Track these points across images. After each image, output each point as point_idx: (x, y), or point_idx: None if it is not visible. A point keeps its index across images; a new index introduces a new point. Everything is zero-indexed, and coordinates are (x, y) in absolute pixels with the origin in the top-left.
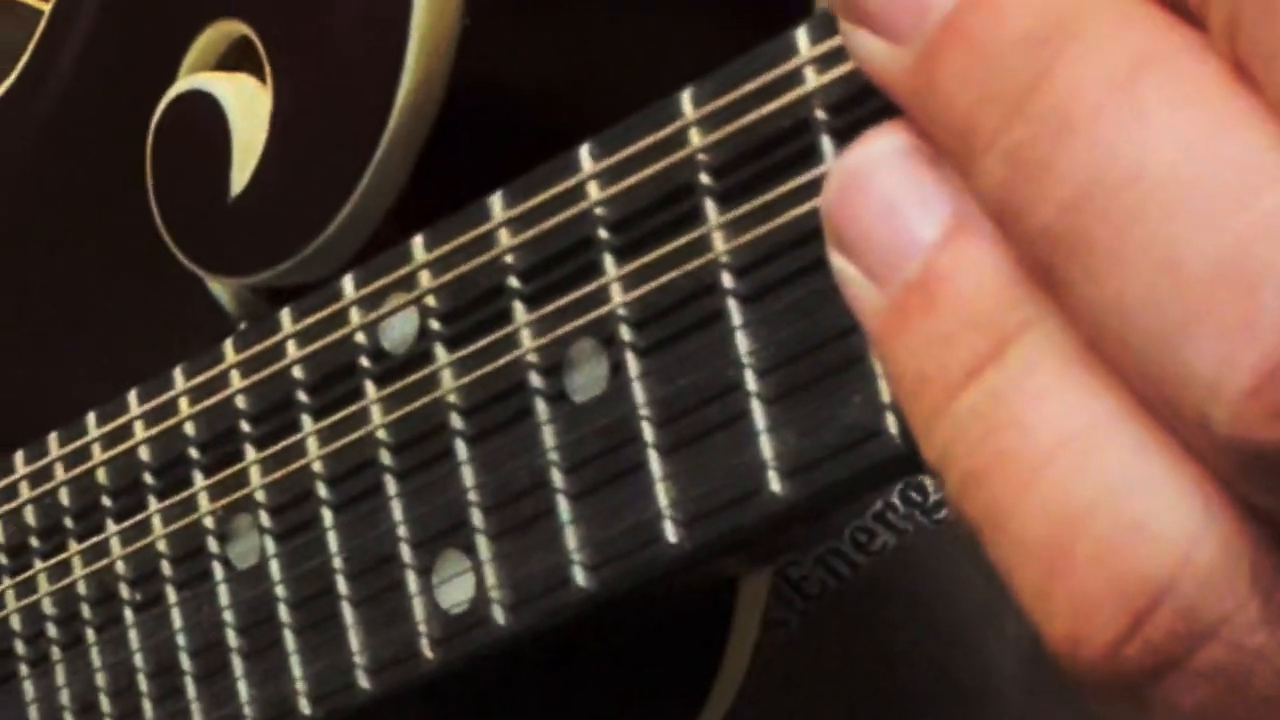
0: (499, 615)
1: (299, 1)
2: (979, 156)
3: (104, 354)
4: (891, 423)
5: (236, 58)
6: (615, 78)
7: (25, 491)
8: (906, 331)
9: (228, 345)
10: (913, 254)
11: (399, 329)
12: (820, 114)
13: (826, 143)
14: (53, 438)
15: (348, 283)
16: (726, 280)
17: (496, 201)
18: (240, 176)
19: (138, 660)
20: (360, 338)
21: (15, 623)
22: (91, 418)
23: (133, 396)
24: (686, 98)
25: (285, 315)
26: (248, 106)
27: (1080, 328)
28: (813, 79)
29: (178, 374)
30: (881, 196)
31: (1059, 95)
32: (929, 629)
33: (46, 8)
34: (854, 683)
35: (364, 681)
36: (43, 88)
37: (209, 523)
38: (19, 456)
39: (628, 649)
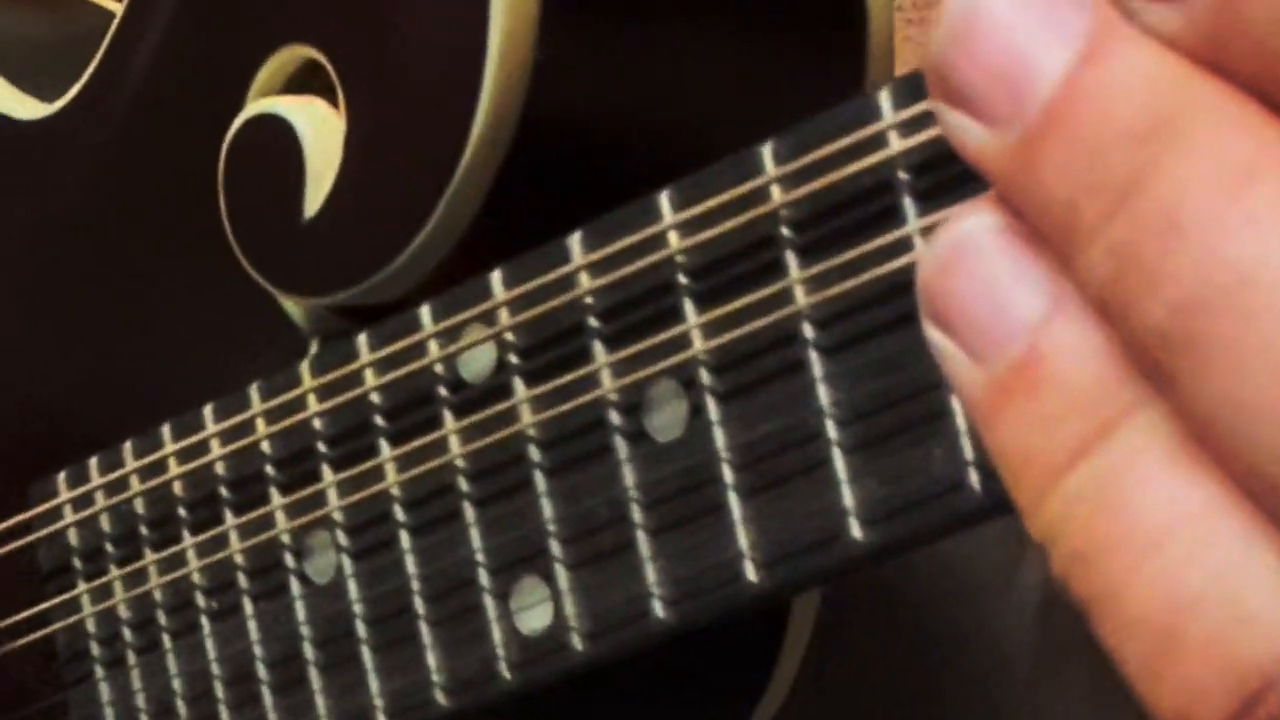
0: (577, 642)
1: (372, 30)
2: (1082, 250)
3: (172, 358)
4: (975, 478)
5: (303, 79)
6: (682, 112)
7: (101, 500)
8: (1009, 410)
9: (305, 369)
10: (1014, 334)
11: (477, 361)
12: (903, 175)
13: (909, 204)
14: (127, 448)
15: (425, 314)
16: (808, 331)
17: (576, 244)
18: (314, 199)
19: (214, 668)
20: (439, 368)
21: (91, 625)
22: (166, 430)
23: (208, 412)
24: (768, 154)
25: (363, 342)
26: (320, 130)
27: (1187, 418)
28: (896, 143)
29: (254, 393)
30: (981, 276)
31: (1165, 196)
32: (946, 593)
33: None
34: (871, 652)
35: (442, 699)
36: (114, 93)
37: (286, 539)
38: (93, 464)
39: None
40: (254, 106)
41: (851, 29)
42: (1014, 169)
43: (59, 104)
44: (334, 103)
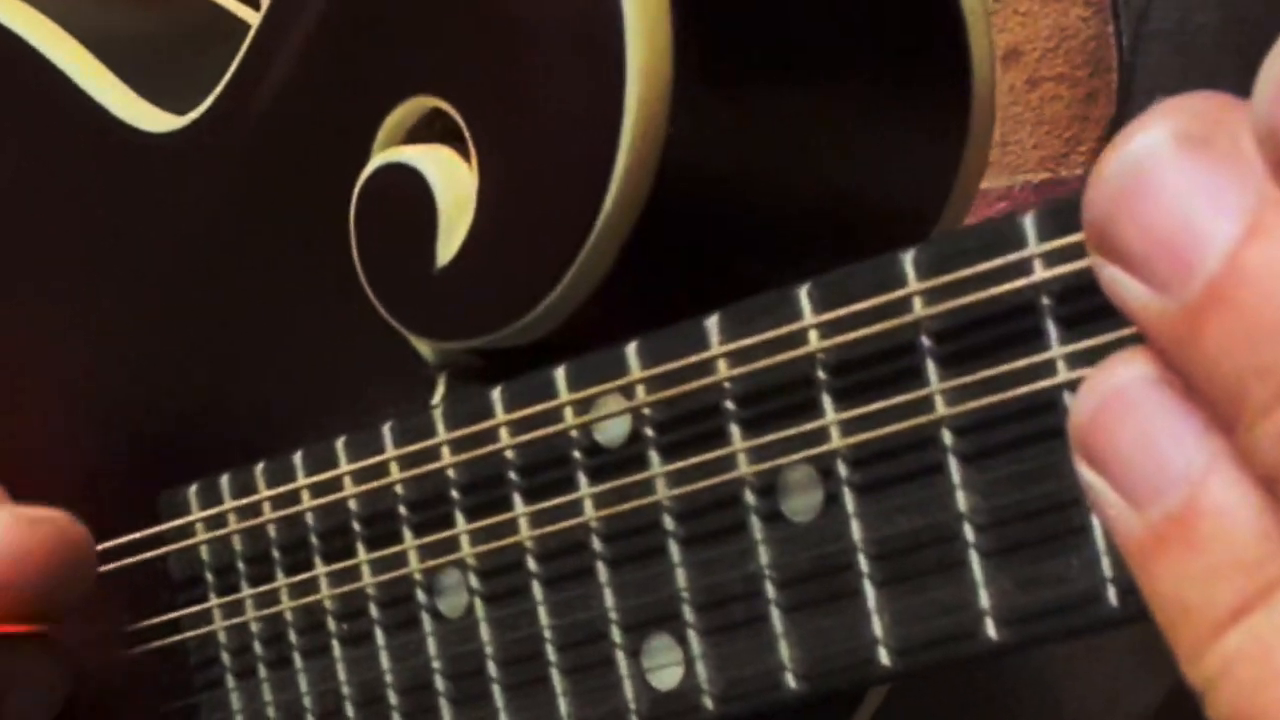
0: (708, 703)
1: (504, 87)
2: (1248, 427)
3: (298, 376)
4: (1112, 592)
5: (425, 124)
6: (801, 168)
7: (233, 521)
8: (1167, 559)
9: (438, 419)
10: (1172, 486)
11: (613, 429)
12: (1046, 300)
13: (1052, 329)
14: (259, 471)
15: (560, 379)
16: (947, 438)
17: (714, 329)
18: (447, 249)
19: (345, 689)
20: (574, 433)
21: (222, 637)
22: (299, 460)
23: (340, 447)
24: (909, 263)
25: (497, 399)
26: (449, 180)
27: None
28: (1040, 270)
29: (387, 435)
30: (1139, 427)
31: None
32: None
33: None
34: None
35: None
36: (244, 113)
37: (418, 576)
38: (224, 483)
39: None
40: (385, 155)
41: (959, 85)
42: (1176, 334)
43: (188, 118)
44: (459, 150)
